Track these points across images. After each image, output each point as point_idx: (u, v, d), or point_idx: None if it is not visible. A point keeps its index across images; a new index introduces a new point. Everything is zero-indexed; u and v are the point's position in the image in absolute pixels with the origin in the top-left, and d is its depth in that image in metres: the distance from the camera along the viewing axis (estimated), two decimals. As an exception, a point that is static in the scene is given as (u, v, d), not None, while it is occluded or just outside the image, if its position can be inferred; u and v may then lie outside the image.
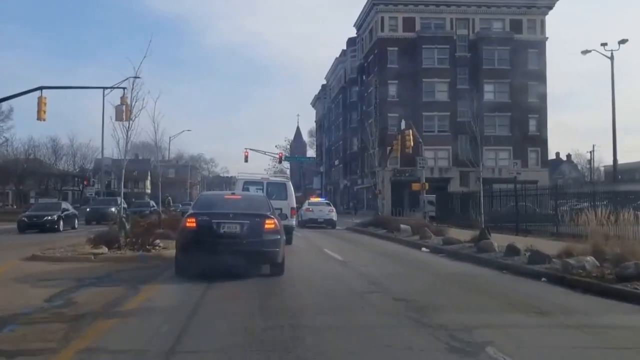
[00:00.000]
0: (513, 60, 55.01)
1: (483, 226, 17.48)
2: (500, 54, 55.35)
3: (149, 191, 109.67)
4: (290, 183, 18.41)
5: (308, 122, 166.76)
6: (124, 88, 26.11)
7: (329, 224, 31.19)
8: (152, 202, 40.93)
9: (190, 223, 9.49)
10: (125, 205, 25.19)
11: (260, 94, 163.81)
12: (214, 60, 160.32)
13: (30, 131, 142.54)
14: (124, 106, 26.03)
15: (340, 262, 12.75)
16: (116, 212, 23.05)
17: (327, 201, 35.15)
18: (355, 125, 68.47)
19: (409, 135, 36.02)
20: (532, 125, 55.86)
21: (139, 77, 29.89)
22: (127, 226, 14.77)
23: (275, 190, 16.54)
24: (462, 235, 18.84)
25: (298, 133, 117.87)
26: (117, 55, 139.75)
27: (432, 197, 33.29)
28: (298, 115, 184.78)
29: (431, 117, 53.52)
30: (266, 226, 9.46)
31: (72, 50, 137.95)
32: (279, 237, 9.64)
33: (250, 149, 56.23)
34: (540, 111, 56.02)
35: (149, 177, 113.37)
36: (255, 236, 9.31)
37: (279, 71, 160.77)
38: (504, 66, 55.08)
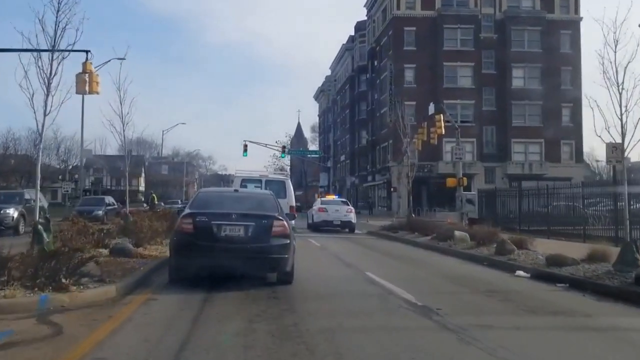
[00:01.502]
0: (544, 43, 49.07)
1: (628, 238, 11.47)
2: (530, 36, 49.38)
3: (142, 189, 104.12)
4: (289, 181, 18.18)
5: (310, 118, 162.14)
6: (86, 51, 20.17)
7: (347, 227, 25.34)
8: (109, 199, 31.66)
9: (187, 224, 8.25)
10: (44, 204, 17.75)
11: (260, 92, 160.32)
12: (214, 58, 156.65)
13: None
14: (88, 74, 20.23)
15: (420, 311, 6.82)
16: (16, 215, 16.72)
17: (343, 199, 29.23)
18: (365, 117, 62.59)
19: (439, 121, 30.24)
20: (566, 115, 49.88)
21: (124, 59, 23.39)
22: (48, 238, 8.86)
23: (274, 188, 15.33)
24: (553, 247, 13.19)
25: (299, 129, 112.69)
26: (112, 54, 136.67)
27: (473, 194, 27.36)
28: (299, 111, 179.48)
29: (453, 106, 47.28)
30: (274, 229, 8.24)
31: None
32: (288, 241, 8.37)
33: (250, 142, 50.41)
34: (575, 100, 49.91)
35: (142, 175, 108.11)
36: (262, 240, 8.14)
37: (280, 69, 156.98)
38: (534, 49, 49.10)
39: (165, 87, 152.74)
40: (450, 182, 27.80)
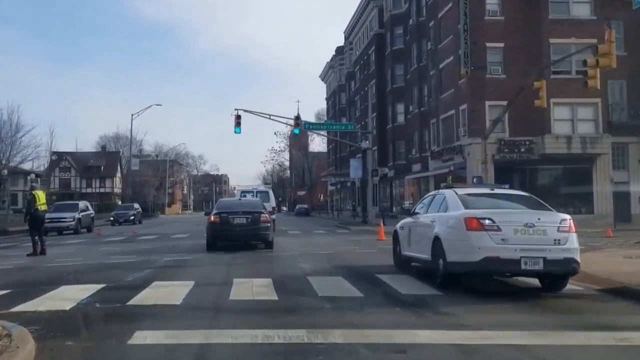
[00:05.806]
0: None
1: None
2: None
3: (119, 191, 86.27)
4: (271, 191, 30.43)
5: (311, 110, 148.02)
6: None
7: (554, 274, 8.10)
8: None
9: (215, 218, 16.18)
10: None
11: (256, 92, 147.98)
12: (207, 63, 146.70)
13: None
14: None
15: None
16: None
17: (524, 194, 10.71)
18: (403, 84, 45.29)
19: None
20: None
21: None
22: None
23: (261, 196, 24.87)
24: None
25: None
26: (111, 57, 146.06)
27: None
28: (298, 101, 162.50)
29: (564, 47, 29.96)
30: (261, 218, 16.22)
31: (68, 54, 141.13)
32: (269, 225, 16.39)
33: (245, 111, 33.01)
34: None
35: (118, 174, 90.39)
36: (255, 225, 16.02)
37: (278, 70, 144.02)
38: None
39: (160, 92, 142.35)
40: None
